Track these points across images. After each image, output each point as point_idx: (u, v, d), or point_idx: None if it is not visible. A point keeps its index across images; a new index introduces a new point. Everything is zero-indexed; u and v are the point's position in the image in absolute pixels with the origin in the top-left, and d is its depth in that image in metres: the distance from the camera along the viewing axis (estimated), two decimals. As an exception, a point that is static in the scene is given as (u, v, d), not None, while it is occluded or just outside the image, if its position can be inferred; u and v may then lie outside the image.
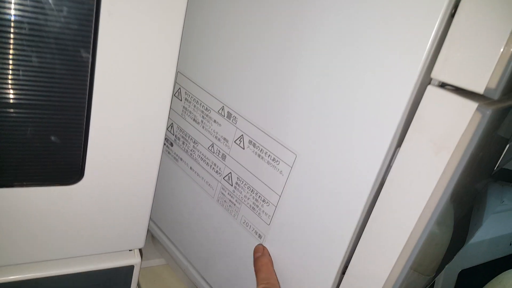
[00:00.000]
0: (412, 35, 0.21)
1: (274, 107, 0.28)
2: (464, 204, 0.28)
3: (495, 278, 0.68)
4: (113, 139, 0.25)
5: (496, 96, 0.20)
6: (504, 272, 0.68)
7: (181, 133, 0.36)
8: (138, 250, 0.32)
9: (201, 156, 0.34)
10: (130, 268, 0.31)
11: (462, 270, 0.77)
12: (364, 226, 0.24)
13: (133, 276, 0.32)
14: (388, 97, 0.22)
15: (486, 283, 0.64)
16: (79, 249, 0.29)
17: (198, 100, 0.33)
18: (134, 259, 0.31)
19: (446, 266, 0.69)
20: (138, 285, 0.40)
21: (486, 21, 0.19)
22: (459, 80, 0.20)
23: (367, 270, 0.24)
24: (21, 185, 0.24)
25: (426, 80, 0.21)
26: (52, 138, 0.24)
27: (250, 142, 0.30)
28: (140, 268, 0.32)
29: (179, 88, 0.35)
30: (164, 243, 0.40)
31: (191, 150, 0.35)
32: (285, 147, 0.27)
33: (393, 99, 0.22)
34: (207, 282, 0.36)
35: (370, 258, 0.24)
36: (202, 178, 0.35)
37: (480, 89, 0.20)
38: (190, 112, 0.35)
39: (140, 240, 0.31)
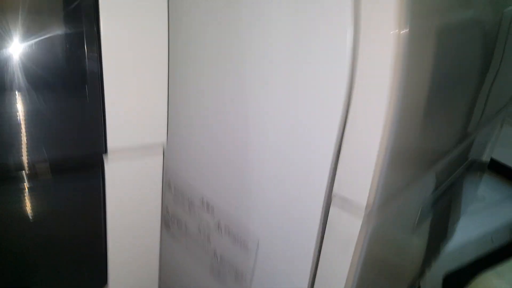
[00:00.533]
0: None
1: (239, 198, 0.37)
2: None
3: (474, 282, 0.76)
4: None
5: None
6: (481, 275, 0.75)
7: (173, 217, 0.45)
8: None
9: (191, 236, 0.44)
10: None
11: (447, 274, 0.82)
12: None
13: None
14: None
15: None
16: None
17: (182, 192, 0.43)
18: None
19: (431, 270, 0.76)
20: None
21: None
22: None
23: None
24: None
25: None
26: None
27: (224, 226, 0.39)
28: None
29: (169, 180, 0.45)
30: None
31: (182, 233, 0.45)
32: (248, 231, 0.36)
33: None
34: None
35: None
36: (194, 252, 0.44)
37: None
38: (177, 201, 0.44)
39: None
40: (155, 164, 0.31)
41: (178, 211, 0.45)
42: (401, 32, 0.23)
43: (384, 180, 0.27)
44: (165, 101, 0.29)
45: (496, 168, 0.94)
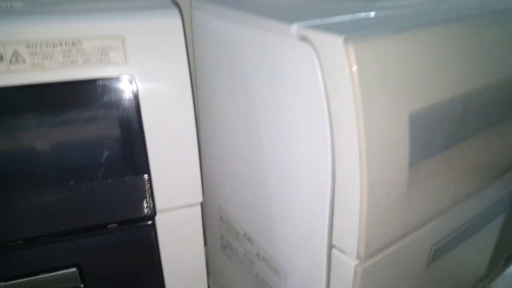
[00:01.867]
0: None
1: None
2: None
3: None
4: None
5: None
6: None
7: (227, 243, 0.56)
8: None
9: (240, 260, 0.53)
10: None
11: None
12: None
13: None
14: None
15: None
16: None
17: (231, 225, 0.52)
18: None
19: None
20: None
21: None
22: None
23: None
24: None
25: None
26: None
27: (262, 257, 0.48)
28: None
29: (221, 215, 0.55)
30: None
31: (234, 255, 0.55)
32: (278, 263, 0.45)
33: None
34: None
35: None
36: (243, 271, 0.53)
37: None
38: (228, 231, 0.54)
39: None
40: (195, 214, 0.41)
41: (229, 238, 0.54)
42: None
43: (371, 236, 0.33)
44: (198, 171, 0.39)
45: None
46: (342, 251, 0.36)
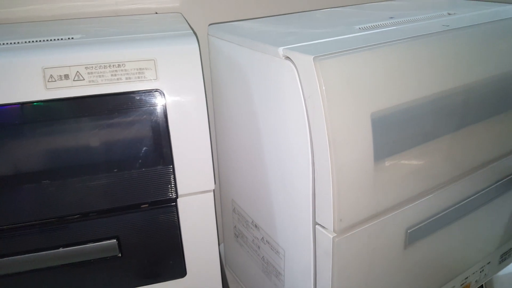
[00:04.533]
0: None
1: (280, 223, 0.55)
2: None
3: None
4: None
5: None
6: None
7: (239, 232, 0.65)
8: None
9: (249, 245, 0.62)
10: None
11: None
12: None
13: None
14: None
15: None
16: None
17: (242, 215, 0.62)
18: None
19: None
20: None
21: None
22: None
23: None
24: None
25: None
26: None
27: (266, 240, 0.57)
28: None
29: (234, 207, 0.65)
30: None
31: (244, 242, 0.64)
32: (278, 244, 0.54)
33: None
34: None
35: None
36: (252, 256, 0.63)
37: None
38: (239, 221, 0.63)
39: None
40: (208, 200, 0.51)
41: (240, 227, 0.64)
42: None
43: (343, 214, 0.42)
44: (210, 164, 0.49)
45: None
46: (323, 227, 0.45)
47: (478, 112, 0.53)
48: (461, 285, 0.69)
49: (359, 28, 0.52)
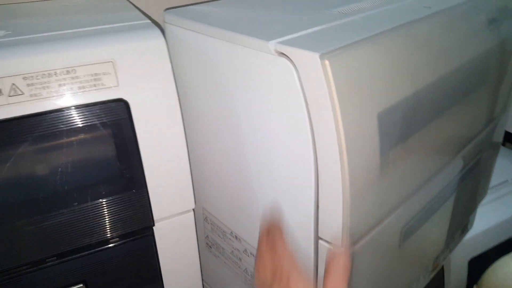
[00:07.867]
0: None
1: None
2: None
3: (493, 266, 0.83)
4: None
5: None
6: (500, 259, 0.82)
7: (212, 242, 0.59)
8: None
9: (227, 257, 0.56)
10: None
11: (471, 259, 0.89)
12: None
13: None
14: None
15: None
16: None
17: (216, 225, 0.56)
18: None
19: (455, 255, 0.84)
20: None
21: None
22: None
23: None
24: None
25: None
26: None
27: (250, 253, 0.51)
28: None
29: (206, 216, 0.58)
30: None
31: (220, 253, 0.58)
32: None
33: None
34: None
35: None
36: (231, 267, 0.57)
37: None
38: (213, 230, 0.57)
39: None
40: (189, 220, 0.44)
41: (215, 237, 0.58)
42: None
43: (352, 224, 0.38)
44: (189, 180, 0.41)
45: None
46: (327, 242, 0.40)
47: (464, 90, 0.51)
48: (433, 265, 0.70)
49: (339, 12, 0.46)
